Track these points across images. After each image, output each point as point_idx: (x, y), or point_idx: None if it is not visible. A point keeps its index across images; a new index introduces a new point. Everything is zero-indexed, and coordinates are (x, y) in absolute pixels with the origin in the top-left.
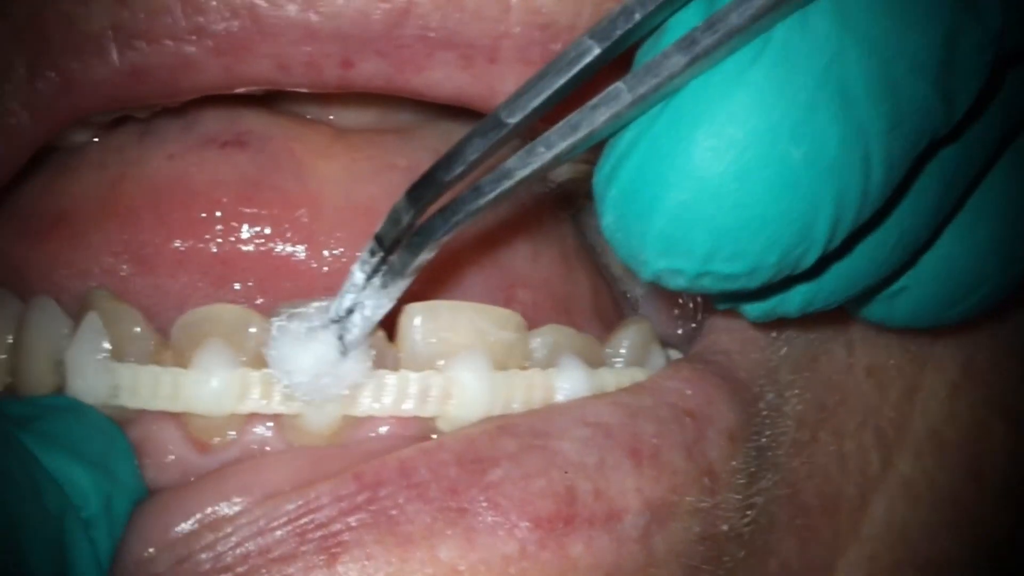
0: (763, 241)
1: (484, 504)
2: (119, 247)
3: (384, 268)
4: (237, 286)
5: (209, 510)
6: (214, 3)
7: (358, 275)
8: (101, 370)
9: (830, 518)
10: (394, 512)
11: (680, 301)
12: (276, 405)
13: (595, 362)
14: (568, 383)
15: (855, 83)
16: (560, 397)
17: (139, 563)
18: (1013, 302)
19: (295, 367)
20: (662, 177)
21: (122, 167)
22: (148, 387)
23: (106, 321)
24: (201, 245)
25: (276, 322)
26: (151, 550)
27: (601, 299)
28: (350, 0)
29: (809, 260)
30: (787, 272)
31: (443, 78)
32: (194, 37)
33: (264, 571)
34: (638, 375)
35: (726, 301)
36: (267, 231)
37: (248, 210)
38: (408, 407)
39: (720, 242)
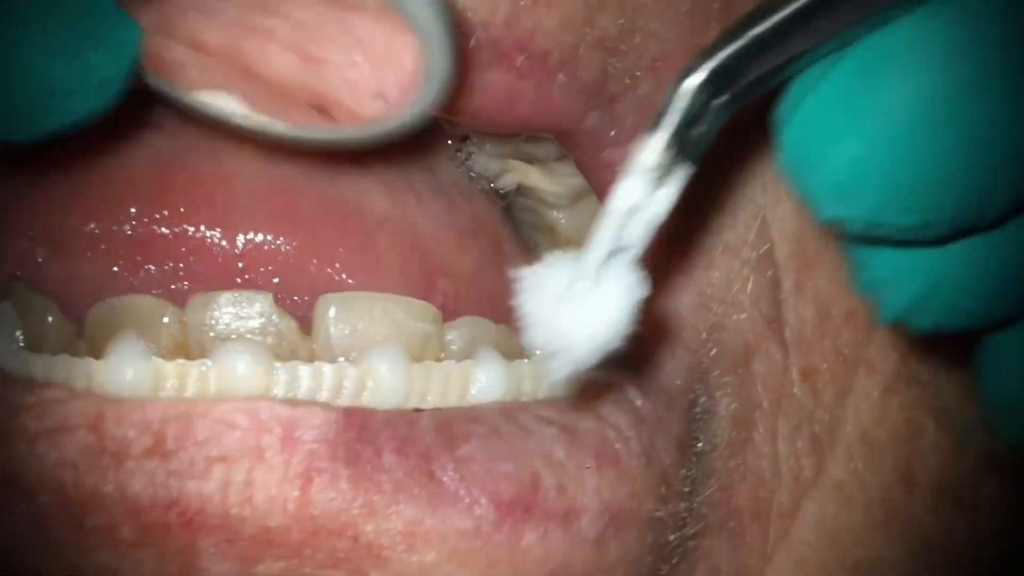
0: (936, 198)
1: (452, 474)
2: (34, 231)
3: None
4: (152, 269)
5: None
6: None
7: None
8: (15, 360)
9: (761, 522)
10: (372, 457)
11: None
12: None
13: (513, 354)
14: (485, 375)
15: None
16: (476, 389)
17: None
18: None
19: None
20: (838, 126)
21: (29, 153)
22: (61, 377)
23: (20, 311)
24: (115, 228)
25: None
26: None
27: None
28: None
29: (988, 217)
30: (966, 227)
31: None
32: None
33: (245, 468)
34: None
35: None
36: (182, 213)
37: (162, 192)
38: (322, 398)
39: (893, 195)
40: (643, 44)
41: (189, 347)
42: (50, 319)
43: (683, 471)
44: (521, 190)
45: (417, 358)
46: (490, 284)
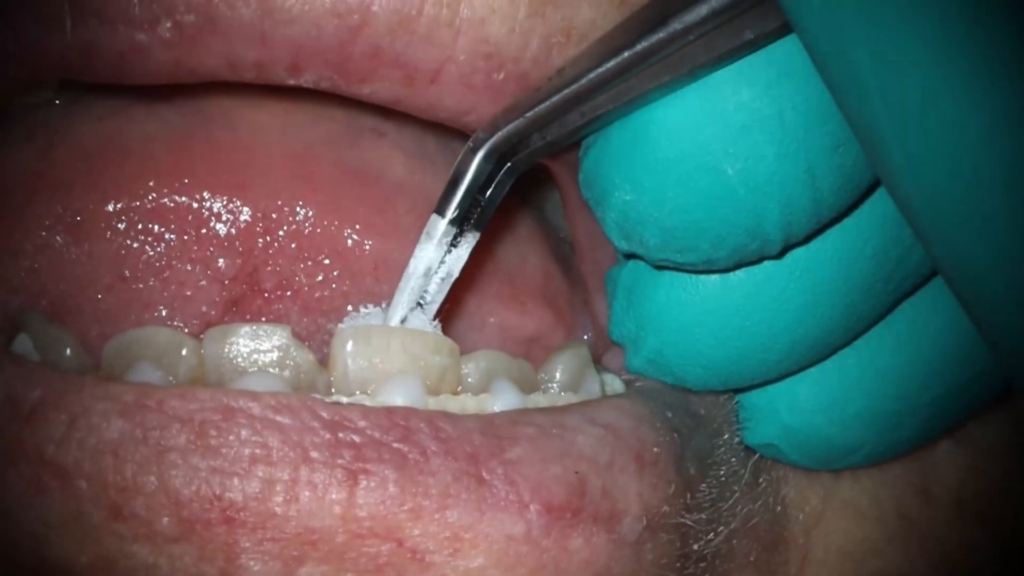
0: (710, 240)
1: (502, 478)
2: (52, 219)
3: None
4: (172, 240)
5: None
6: None
7: (427, 252)
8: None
9: (781, 552)
10: (419, 459)
11: None
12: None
13: (529, 387)
14: (501, 408)
15: (791, 108)
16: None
17: None
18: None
19: None
20: (610, 176)
21: (48, 136)
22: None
23: (37, 343)
24: (136, 203)
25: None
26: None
27: (552, 284)
28: (305, 11)
29: (772, 250)
30: (752, 259)
31: (384, 89)
32: (147, 26)
33: (290, 467)
34: (572, 400)
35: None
36: (201, 183)
37: (180, 163)
38: None
39: (667, 239)
40: None
41: (207, 380)
42: (68, 352)
43: (704, 485)
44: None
45: (434, 391)
46: (509, 260)
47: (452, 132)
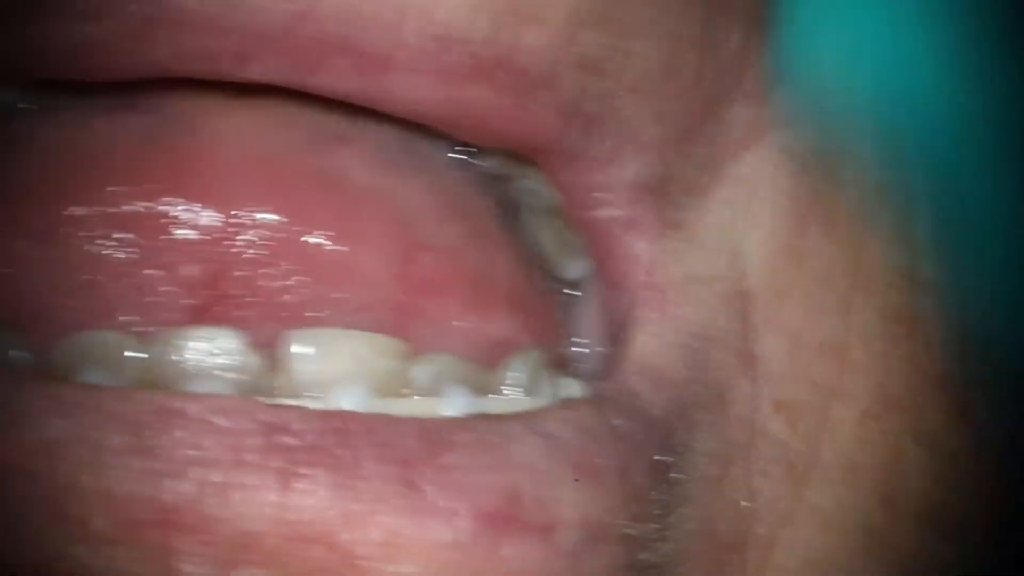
0: None
1: (433, 484)
2: (13, 224)
3: None
4: (136, 246)
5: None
6: None
7: None
8: None
9: (740, 552)
10: (352, 463)
11: (616, 284)
12: None
13: (481, 390)
14: (452, 412)
15: None
16: None
17: None
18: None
19: None
20: None
21: (10, 141)
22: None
23: None
24: (100, 209)
25: None
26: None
27: (519, 290)
28: None
29: None
30: None
31: (336, 81)
32: (95, 18)
33: (223, 470)
34: (526, 404)
35: None
36: (165, 189)
37: (145, 169)
38: None
39: None
40: (624, 65)
41: (154, 383)
42: (10, 353)
43: (654, 494)
44: (518, 165)
45: (383, 394)
46: (472, 263)
47: (416, 136)
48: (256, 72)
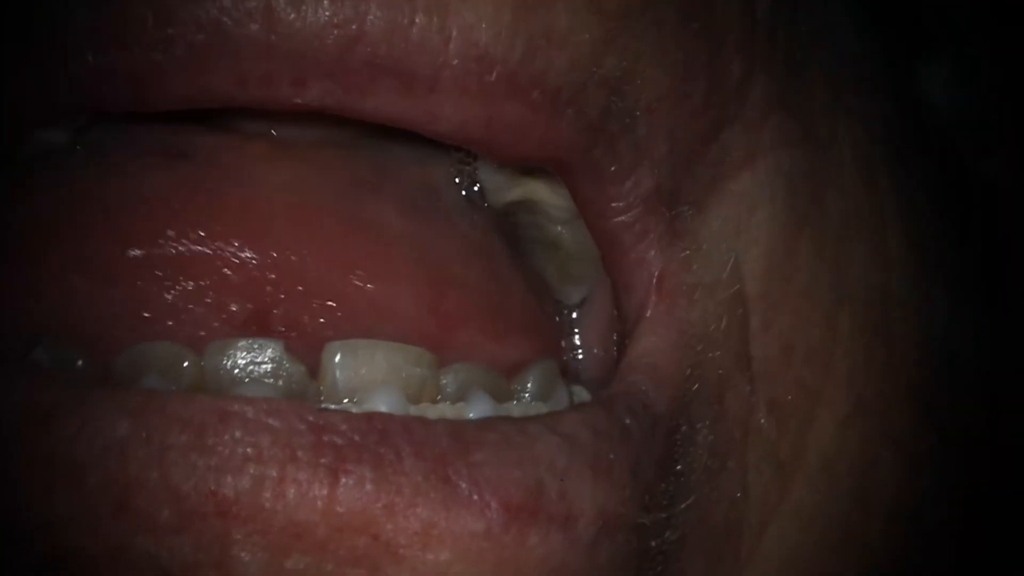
0: None
1: (466, 478)
2: (72, 264)
3: None
4: (188, 285)
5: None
6: (183, 16)
7: None
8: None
9: (733, 542)
10: (393, 460)
11: (614, 313)
12: None
13: (502, 397)
14: (478, 415)
15: None
16: None
17: None
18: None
19: None
20: None
21: (67, 184)
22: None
23: (51, 358)
24: (156, 251)
25: None
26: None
27: (531, 316)
28: (307, 24)
29: None
30: None
31: (386, 103)
32: (161, 47)
33: (278, 466)
34: (543, 408)
35: None
36: (215, 233)
37: (196, 215)
38: None
39: None
40: (642, 87)
41: (207, 389)
42: (80, 363)
43: (663, 486)
44: (525, 205)
45: (415, 400)
46: (494, 297)
47: (437, 188)
48: (312, 96)
